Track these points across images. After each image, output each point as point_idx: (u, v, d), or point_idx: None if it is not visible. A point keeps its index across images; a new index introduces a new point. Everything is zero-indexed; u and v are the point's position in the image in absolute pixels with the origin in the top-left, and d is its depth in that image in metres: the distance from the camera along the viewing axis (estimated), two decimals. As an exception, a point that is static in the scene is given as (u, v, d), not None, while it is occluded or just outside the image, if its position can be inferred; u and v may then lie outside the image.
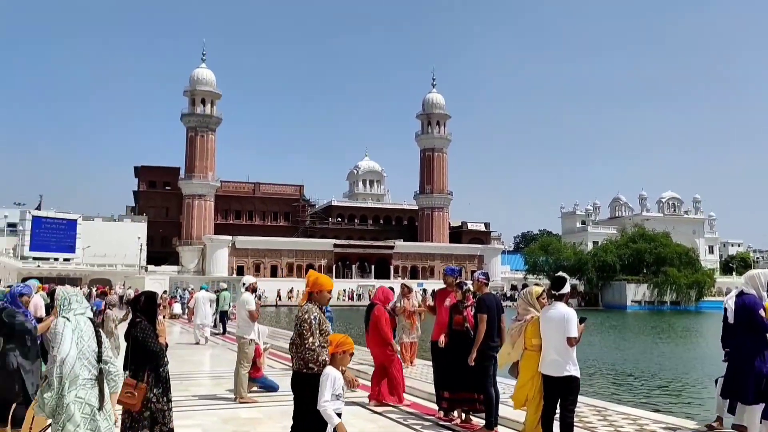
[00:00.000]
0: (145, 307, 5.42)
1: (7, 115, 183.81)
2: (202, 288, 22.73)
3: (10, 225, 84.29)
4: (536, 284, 7.83)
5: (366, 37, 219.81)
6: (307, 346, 4.98)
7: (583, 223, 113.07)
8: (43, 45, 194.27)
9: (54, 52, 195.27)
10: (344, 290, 78.24)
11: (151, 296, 5.56)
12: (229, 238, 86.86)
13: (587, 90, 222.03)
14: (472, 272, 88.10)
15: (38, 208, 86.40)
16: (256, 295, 9.72)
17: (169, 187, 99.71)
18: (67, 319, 4.53)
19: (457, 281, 8.19)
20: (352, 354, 4.92)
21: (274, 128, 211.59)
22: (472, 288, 8.02)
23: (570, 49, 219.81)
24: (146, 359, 5.20)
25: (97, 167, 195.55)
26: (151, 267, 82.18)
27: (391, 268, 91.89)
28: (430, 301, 8.82)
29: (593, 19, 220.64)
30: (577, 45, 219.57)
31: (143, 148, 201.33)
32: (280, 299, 71.01)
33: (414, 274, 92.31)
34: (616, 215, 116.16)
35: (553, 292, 6.29)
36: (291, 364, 5.23)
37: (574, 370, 6.06)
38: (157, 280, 64.67)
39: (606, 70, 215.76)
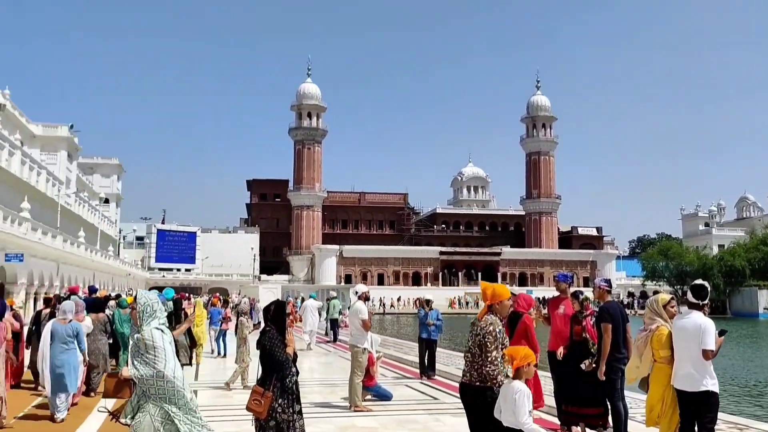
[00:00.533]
0: (274, 316, 5.44)
1: (135, 139, 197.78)
2: (310, 297, 23.40)
3: (138, 238, 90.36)
4: (656, 291, 7.33)
5: (468, 42, 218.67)
6: (489, 359, 4.90)
7: (707, 225, 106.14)
8: (158, 71, 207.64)
9: (168, 77, 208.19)
10: (450, 298, 77.70)
11: (280, 306, 5.58)
12: (337, 247, 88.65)
13: (705, 82, 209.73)
14: (585, 279, 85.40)
15: (162, 222, 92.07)
16: (367, 304, 9.72)
17: (279, 199, 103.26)
18: (161, 330, 4.42)
19: (573, 290, 7.84)
20: (536, 365, 4.83)
21: (377, 137, 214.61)
22: (591, 296, 7.64)
23: (682, 41, 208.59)
24: (273, 368, 5.25)
25: (213, 182, 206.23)
26: (264, 276, 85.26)
27: (499, 275, 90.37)
28: (543, 310, 8.43)
29: (704, 7, 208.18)
30: (691, 36, 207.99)
31: (255, 163, 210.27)
32: (385, 307, 71.53)
33: (522, 281, 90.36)
34: (744, 216, 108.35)
35: (693, 300, 5.82)
36: (462, 377, 5.11)
37: (712, 385, 5.58)
38: (270, 289, 67.07)
39: (729, 61, 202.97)
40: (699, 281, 5.97)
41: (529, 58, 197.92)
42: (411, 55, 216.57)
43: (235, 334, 12.26)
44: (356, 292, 9.67)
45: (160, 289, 25.23)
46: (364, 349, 9.29)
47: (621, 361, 6.83)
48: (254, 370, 10.70)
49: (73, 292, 14.46)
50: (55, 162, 50.36)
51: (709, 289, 5.92)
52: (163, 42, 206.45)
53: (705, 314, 5.78)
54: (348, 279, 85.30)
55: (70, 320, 8.78)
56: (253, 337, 8.18)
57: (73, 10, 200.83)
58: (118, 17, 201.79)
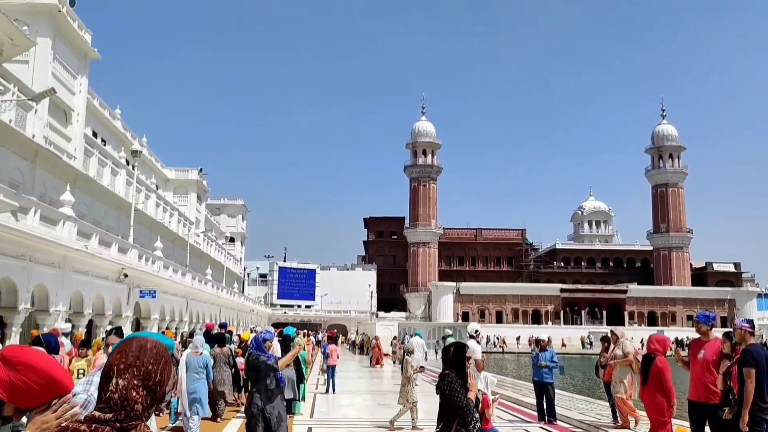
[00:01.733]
0: (454, 359, 5.23)
1: (258, 181, 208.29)
2: (416, 334, 24.42)
3: (261, 276, 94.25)
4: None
5: (588, 72, 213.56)
6: None
7: None
8: (278, 115, 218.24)
9: (288, 120, 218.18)
10: (570, 337, 74.43)
11: (460, 348, 5.37)
12: (454, 284, 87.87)
13: None
14: (723, 319, 79.10)
15: (284, 259, 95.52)
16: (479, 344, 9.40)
17: (395, 236, 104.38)
18: None
19: (725, 331, 7.16)
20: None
21: (493, 173, 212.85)
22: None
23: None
24: (453, 414, 5.00)
25: (332, 221, 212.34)
26: (381, 313, 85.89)
27: (625, 313, 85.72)
28: (683, 352, 7.72)
29: None
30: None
31: (373, 201, 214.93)
32: (505, 345, 69.56)
33: (652, 321, 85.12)
34: None
35: None
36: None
37: None
38: (387, 326, 67.15)
39: None
40: None
41: (653, 86, 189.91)
42: (527, 86, 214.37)
43: (402, 372, 12.15)
44: (469, 332, 9.38)
45: (282, 325, 26.20)
46: (478, 390, 8.91)
47: (765, 411, 6.07)
48: (425, 410, 10.75)
49: (209, 328, 15.40)
50: (186, 204, 53.97)
51: None
52: (280, 81, 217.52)
53: None
54: (465, 316, 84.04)
55: (201, 353, 9.79)
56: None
57: (197, 62, 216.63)
58: (240, 66, 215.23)
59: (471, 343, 8.95)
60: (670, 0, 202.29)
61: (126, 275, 23.23)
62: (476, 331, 9.23)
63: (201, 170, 57.39)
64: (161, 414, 11.00)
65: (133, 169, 28.54)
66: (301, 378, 12.67)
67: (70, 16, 27.73)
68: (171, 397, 10.48)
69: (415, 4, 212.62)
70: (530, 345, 15.71)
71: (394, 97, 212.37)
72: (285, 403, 6.27)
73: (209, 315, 40.22)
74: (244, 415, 6.06)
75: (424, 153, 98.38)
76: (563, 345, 72.24)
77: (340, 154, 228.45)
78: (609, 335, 11.09)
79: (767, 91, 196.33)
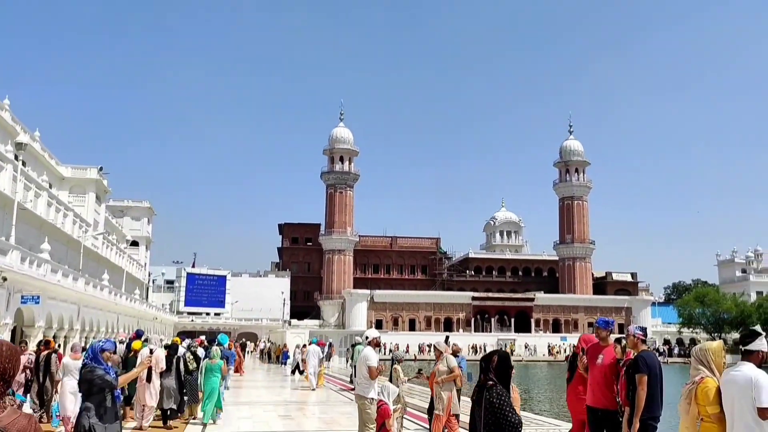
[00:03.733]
0: (499, 368, 4.59)
1: (166, 183, 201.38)
2: (312, 342, 25.40)
3: (168, 282, 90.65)
4: (693, 339, 6.32)
5: (500, 87, 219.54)
6: None
7: (744, 271, 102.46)
8: (188, 113, 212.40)
9: (199, 120, 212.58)
10: (482, 345, 75.60)
11: (504, 357, 4.71)
12: (368, 291, 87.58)
13: (741, 127, 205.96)
14: (620, 326, 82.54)
15: (193, 265, 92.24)
16: (378, 351, 8.74)
17: (310, 243, 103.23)
18: None
19: (615, 337, 6.92)
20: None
21: (409, 182, 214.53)
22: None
23: (717, 83, 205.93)
24: (500, 430, 4.34)
25: (245, 226, 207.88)
26: (294, 321, 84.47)
27: (532, 321, 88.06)
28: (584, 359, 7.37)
29: (742, 48, 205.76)
30: (725, 80, 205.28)
31: (287, 207, 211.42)
32: (415, 353, 69.72)
33: (556, 328, 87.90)
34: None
35: (741, 347, 4.83)
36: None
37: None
38: (298, 334, 65.96)
39: (764, 106, 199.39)
40: (753, 328, 4.98)
41: (562, 103, 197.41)
42: (443, 99, 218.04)
43: (390, 381, 10.79)
44: (366, 338, 8.73)
45: (190, 334, 24.86)
46: (371, 399, 8.31)
47: (657, 420, 5.84)
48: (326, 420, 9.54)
49: (131, 339, 14.52)
50: (83, 204, 50.80)
51: (762, 336, 4.92)
52: (193, 83, 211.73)
53: (758, 365, 4.76)
54: (379, 324, 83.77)
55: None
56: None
57: (97, 50, 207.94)
58: (147, 58, 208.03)
59: (366, 349, 8.37)
60: (583, 24, 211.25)
61: (5, 279, 21.32)
62: (367, 338, 8.61)
63: (101, 169, 54.25)
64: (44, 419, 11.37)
65: (17, 161, 26.31)
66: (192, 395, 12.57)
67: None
68: (54, 401, 11.23)
69: (329, 7, 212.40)
70: (435, 353, 15.42)
71: (312, 102, 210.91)
72: (119, 423, 5.42)
73: (105, 323, 37.91)
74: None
75: (341, 160, 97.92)
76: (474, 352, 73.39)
77: (256, 159, 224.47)
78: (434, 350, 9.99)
79: (666, 110, 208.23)
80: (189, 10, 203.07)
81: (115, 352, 5.60)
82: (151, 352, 12.43)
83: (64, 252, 39.56)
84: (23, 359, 10.77)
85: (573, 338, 78.52)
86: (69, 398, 9.76)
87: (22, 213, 29.42)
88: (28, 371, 12.24)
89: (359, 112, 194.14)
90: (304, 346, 30.84)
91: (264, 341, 57.83)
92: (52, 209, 39.45)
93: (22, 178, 27.60)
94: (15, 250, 22.88)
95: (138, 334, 16.81)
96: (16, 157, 33.92)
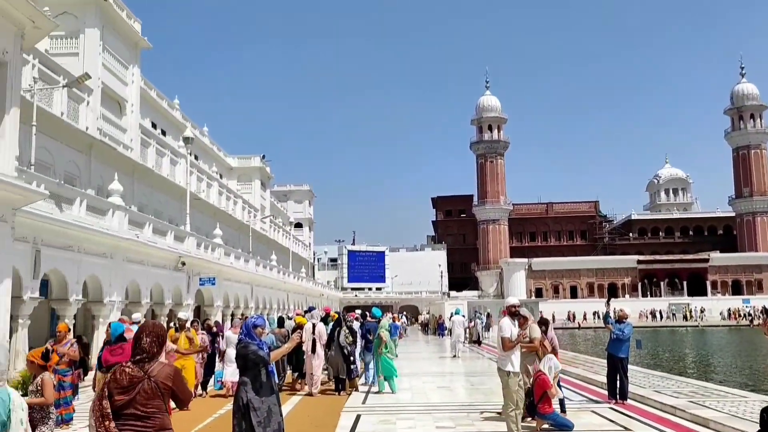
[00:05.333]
0: None
1: (324, 165, 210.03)
2: (456, 312, 26.17)
3: (331, 260, 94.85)
4: None
5: (657, 30, 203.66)
6: None
7: None
8: (340, 97, 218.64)
9: (351, 102, 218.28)
10: (652, 310, 71.33)
11: None
12: (525, 260, 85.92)
13: None
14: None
15: (353, 243, 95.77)
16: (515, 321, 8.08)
17: (464, 215, 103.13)
18: None
19: None
20: None
21: (563, 145, 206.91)
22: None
23: None
24: None
25: (400, 202, 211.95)
26: (452, 293, 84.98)
27: (708, 283, 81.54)
28: None
29: None
30: None
31: (440, 180, 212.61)
32: (578, 320, 67.26)
33: (737, 289, 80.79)
34: None
35: None
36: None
37: None
38: (457, 305, 66.44)
39: None
40: None
41: (731, 44, 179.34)
42: (594, 52, 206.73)
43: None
44: (504, 306, 8.24)
45: (355, 308, 26.06)
46: (508, 372, 7.75)
47: None
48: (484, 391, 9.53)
49: (326, 311, 15.89)
50: (250, 191, 54.37)
51: None
52: (340, 69, 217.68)
53: None
54: (539, 293, 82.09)
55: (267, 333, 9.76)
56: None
57: (254, 42, 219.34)
58: (297, 47, 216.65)
59: (504, 320, 7.88)
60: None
61: (184, 263, 23.18)
62: (510, 305, 8.06)
63: (263, 157, 57.68)
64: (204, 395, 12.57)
65: (190, 155, 28.44)
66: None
67: (118, 5, 27.78)
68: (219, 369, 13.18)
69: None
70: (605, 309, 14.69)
71: (456, 72, 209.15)
72: (276, 395, 5.49)
73: (276, 300, 40.31)
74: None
75: (490, 128, 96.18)
76: (653, 317, 69.55)
77: (404, 134, 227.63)
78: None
79: None
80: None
81: (263, 329, 5.70)
82: (314, 326, 12.92)
83: (235, 236, 42.56)
84: (205, 338, 12.52)
85: (758, 300, 71.93)
86: (229, 367, 12.02)
87: (196, 202, 31.88)
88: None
89: (506, 79, 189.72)
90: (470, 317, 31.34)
91: (424, 314, 58.75)
92: (222, 197, 42.59)
93: (195, 170, 29.82)
94: (191, 236, 24.82)
95: (309, 309, 17.85)
96: (189, 152, 36.92)
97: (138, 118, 30.08)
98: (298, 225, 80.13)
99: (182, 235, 24.18)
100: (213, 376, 13.31)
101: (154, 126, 35.87)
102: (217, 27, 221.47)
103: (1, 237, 11.62)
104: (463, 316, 28.28)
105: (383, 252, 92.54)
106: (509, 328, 7.74)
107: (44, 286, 15.76)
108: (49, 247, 14.73)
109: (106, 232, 17.20)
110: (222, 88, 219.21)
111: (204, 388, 12.66)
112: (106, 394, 3.45)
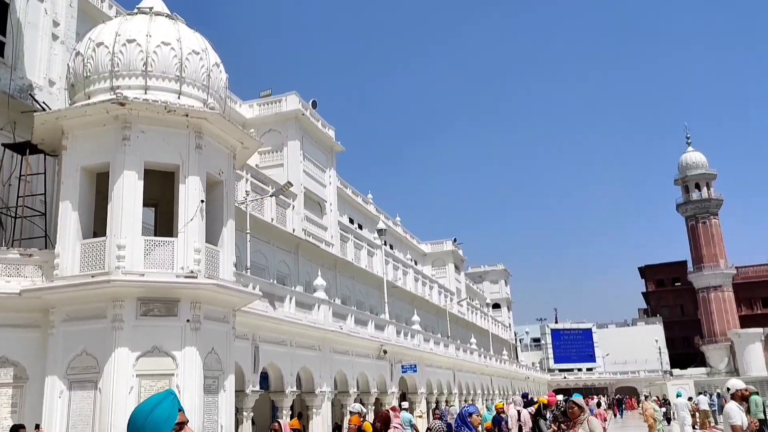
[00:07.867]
0: None
1: (516, 244, 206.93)
2: (677, 395, 24.48)
3: (534, 340, 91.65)
4: None
5: None
6: None
7: None
8: (519, 177, 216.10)
9: (534, 180, 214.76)
10: None
11: None
12: (761, 330, 76.15)
13: None
14: None
15: (555, 321, 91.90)
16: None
17: (679, 283, 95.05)
18: None
19: None
20: None
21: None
22: None
23: None
24: None
25: (601, 274, 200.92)
26: (675, 370, 77.46)
27: None
28: None
29: None
30: None
31: (644, 248, 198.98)
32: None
33: None
34: None
35: None
36: None
37: None
38: (682, 385, 60.12)
39: None
40: None
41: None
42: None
43: None
44: (728, 389, 7.32)
45: (563, 392, 24.76)
46: None
47: None
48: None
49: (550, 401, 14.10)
50: (444, 275, 55.06)
51: None
52: (526, 144, 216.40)
53: None
54: (784, 367, 71.83)
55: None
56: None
57: (444, 130, 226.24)
58: (476, 133, 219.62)
59: (729, 404, 6.97)
60: None
61: (385, 351, 23.82)
62: (739, 390, 7.13)
63: (455, 240, 58.44)
64: None
65: (385, 245, 29.82)
66: None
67: (314, 117, 30.72)
68: None
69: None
70: None
71: (649, 132, 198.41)
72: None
73: (479, 385, 39.57)
74: None
75: (698, 186, 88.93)
76: None
77: (600, 205, 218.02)
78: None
79: None
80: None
81: (479, 416, 5.67)
82: (519, 413, 12.49)
83: (433, 321, 43.04)
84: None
85: None
86: None
87: (394, 290, 32.97)
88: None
89: (709, 131, 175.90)
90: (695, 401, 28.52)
91: (644, 395, 53.87)
92: (418, 283, 43.64)
93: (390, 259, 31.08)
94: (390, 324, 25.56)
95: (523, 396, 17.13)
96: (385, 243, 38.70)
97: (336, 216, 32.31)
98: (496, 306, 78.90)
99: (382, 323, 25.01)
100: None
101: (351, 221, 38.25)
102: (405, 122, 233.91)
103: (224, 336, 12.88)
104: (690, 398, 26.30)
105: (590, 329, 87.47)
106: (738, 414, 6.88)
107: (264, 380, 17.08)
108: (266, 343, 16.06)
109: (313, 326, 18.38)
110: (411, 180, 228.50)
111: None
112: None
